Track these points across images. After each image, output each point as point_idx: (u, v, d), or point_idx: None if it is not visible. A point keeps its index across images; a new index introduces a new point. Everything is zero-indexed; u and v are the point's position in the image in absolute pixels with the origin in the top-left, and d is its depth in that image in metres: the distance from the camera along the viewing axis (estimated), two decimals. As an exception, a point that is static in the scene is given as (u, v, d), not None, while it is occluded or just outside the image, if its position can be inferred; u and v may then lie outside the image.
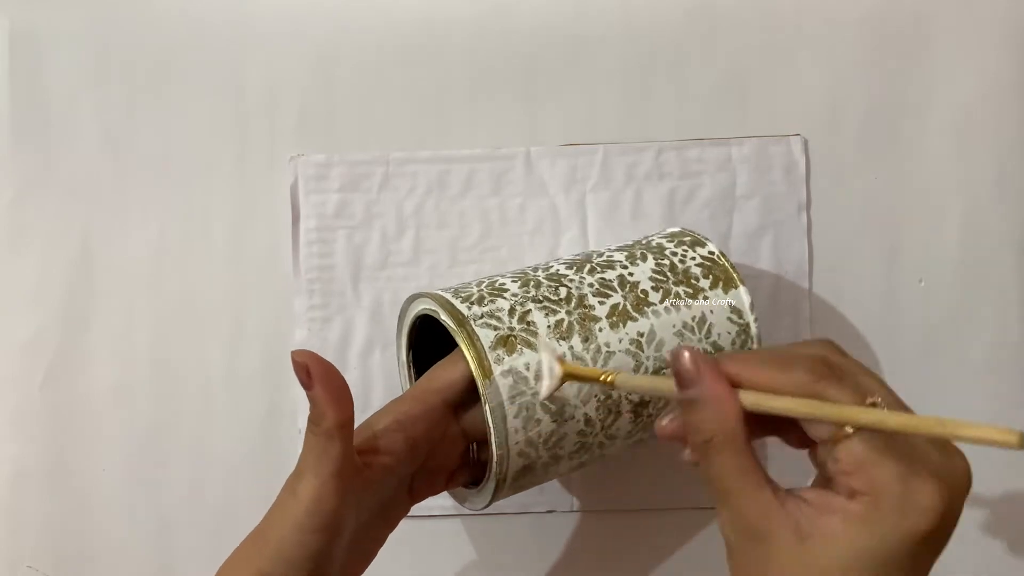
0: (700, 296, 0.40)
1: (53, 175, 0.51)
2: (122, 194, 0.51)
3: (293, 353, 0.33)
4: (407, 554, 0.49)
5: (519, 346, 0.37)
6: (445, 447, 0.39)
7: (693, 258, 0.42)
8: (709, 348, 0.40)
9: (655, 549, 0.50)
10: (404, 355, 0.44)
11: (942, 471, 0.26)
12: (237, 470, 0.50)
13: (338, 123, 0.51)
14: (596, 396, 0.37)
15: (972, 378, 0.49)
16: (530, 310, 0.38)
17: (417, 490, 0.39)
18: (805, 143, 0.50)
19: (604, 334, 0.38)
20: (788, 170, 0.50)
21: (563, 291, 0.39)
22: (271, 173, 0.51)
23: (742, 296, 0.41)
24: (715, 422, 0.28)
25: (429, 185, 0.50)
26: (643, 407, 0.39)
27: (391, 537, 0.39)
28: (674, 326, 0.39)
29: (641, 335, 0.39)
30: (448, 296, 0.39)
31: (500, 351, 0.36)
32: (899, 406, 0.28)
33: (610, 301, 0.39)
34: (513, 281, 0.40)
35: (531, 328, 0.37)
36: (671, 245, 0.43)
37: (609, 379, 0.32)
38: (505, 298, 0.39)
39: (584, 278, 0.40)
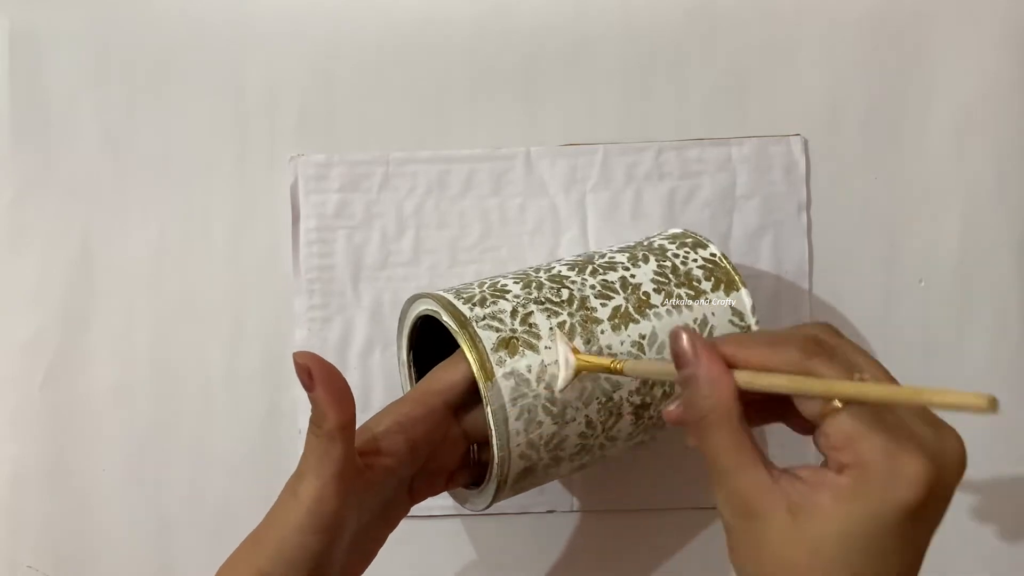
0: (702, 298, 0.40)
1: (53, 175, 0.51)
2: (122, 194, 0.51)
3: (295, 355, 0.33)
4: (407, 554, 0.49)
5: (521, 348, 0.37)
6: (446, 448, 0.39)
7: (695, 260, 0.42)
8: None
9: (655, 549, 0.50)
10: (405, 355, 0.44)
11: (932, 447, 0.26)
12: (237, 470, 0.50)
13: (338, 123, 0.51)
14: (597, 398, 0.37)
15: (972, 378, 0.49)
16: (532, 312, 0.38)
17: (417, 491, 0.39)
18: (805, 143, 0.50)
19: (606, 336, 0.38)
20: (788, 170, 0.50)
21: (565, 292, 0.39)
22: (271, 173, 0.50)
23: (743, 298, 0.41)
24: (710, 399, 0.28)
25: (429, 185, 0.50)
26: (644, 409, 0.39)
27: (391, 537, 0.39)
28: None
29: (643, 337, 0.39)
30: (450, 297, 0.39)
31: (502, 353, 0.36)
32: (889, 381, 0.28)
33: (612, 303, 0.39)
34: (515, 282, 0.40)
35: (533, 330, 0.37)
36: (673, 247, 0.43)
37: (619, 366, 0.34)
38: (507, 299, 0.38)
39: (586, 280, 0.40)
